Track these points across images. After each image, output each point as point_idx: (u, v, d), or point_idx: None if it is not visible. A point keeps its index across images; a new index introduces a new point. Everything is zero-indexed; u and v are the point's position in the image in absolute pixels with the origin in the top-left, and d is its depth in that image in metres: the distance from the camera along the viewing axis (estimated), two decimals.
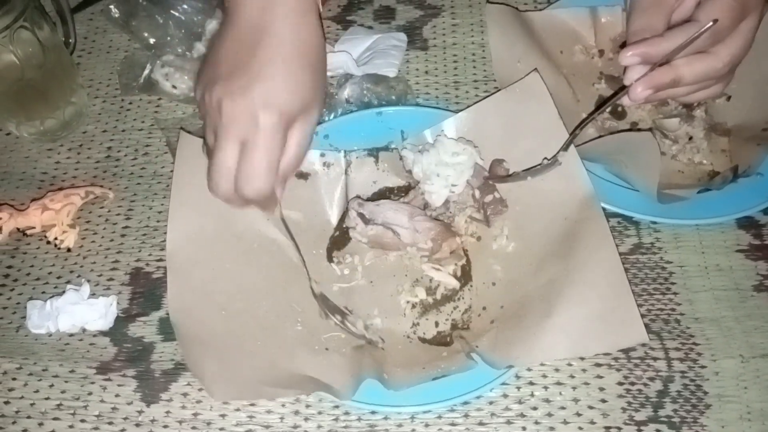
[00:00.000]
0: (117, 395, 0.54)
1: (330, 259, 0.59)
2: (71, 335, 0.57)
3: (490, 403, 0.52)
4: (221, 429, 0.52)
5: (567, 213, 0.56)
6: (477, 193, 0.59)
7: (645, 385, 0.52)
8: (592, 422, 0.50)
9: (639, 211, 0.58)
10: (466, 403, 0.51)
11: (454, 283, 0.57)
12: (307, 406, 0.52)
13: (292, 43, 0.48)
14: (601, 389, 0.52)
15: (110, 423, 0.53)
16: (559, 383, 0.52)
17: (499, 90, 0.62)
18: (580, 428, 0.50)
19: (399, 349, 0.54)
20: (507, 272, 0.56)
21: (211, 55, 0.51)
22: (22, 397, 0.54)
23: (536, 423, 0.51)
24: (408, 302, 0.56)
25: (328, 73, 0.68)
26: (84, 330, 0.57)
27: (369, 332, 0.55)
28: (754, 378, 0.51)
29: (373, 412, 0.51)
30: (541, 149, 0.58)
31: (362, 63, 0.69)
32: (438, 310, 0.56)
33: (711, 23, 0.49)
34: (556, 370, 0.53)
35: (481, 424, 0.51)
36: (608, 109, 0.63)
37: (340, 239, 0.60)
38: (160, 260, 0.60)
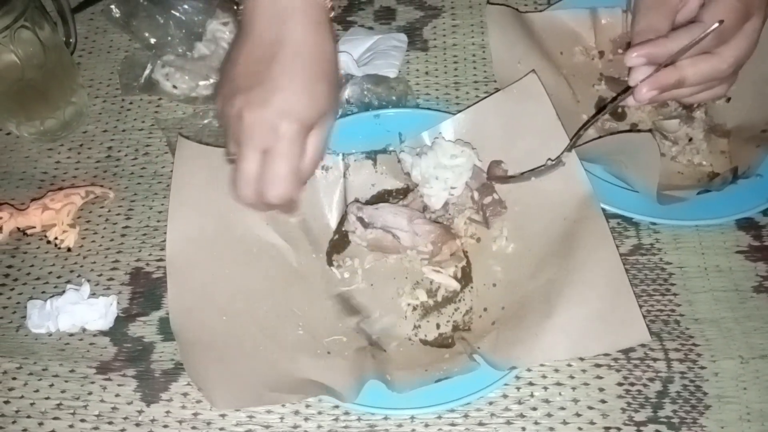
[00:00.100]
0: (117, 395, 0.54)
1: (330, 262, 0.59)
2: (71, 335, 0.57)
3: (490, 403, 0.52)
4: (221, 429, 0.52)
5: (566, 213, 0.56)
6: (476, 195, 0.59)
7: (644, 385, 0.52)
8: (592, 422, 0.51)
9: (639, 212, 0.58)
10: (466, 403, 0.51)
11: (455, 285, 0.57)
12: (307, 406, 0.52)
13: (307, 53, 0.50)
14: (601, 390, 0.52)
15: (110, 423, 0.53)
16: (558, 384, 0.52)
17: (498, 91, 0.62)
18: (580, 429, 0.50)
19: (401, 352, 0.54)
20: (507, 273, 0.56)
21: (229, 69, 0.52)
22: (22, 397, 0.54)
23: (536, 423, 0.51)
24: (409, 304, 0.56)
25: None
26: (84, 330, 0.57)
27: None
28: (753, 379, 0.51)
29: (372, 413, 0.51)
30: (540, 150, 0.58)
31: (363, 63, 0.69)
32: (439, 312, 0.56)
33: (717, 24, 0.49)
34: (556, 370, 0.53)
35: (480, 424, 0.51)
36: (604, 114, 0.64)
37: (339, 242, 0.60)
38: (160, 260, 0.60)
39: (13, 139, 0.69)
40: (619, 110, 0.64)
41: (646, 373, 0.52)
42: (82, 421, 0.53)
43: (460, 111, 0.62)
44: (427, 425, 0.51)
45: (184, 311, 0.54)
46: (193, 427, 0.52)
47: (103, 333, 0.57)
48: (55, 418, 0.53)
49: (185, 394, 0.54)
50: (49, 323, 0.57)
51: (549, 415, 0.51)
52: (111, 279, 0.60)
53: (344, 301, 0.57)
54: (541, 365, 0.53)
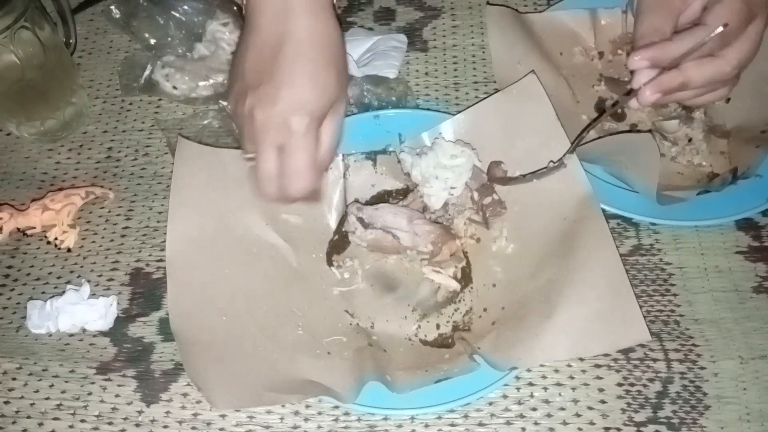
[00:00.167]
0: (117, 395, 0.54)
1: (330, 263, 0.59)
2: (71, 335, 0.57)
3: (490, 403, 0.52)
4: (221, 429, 0.52)
5: (566, 213, 0.56)
6: (475, 195, 0.59)
7: (644, 386, 0.52)
8: (592, 423, 0.51)
9: (638, 213, 0.58)
10: (466, 403, 0.51)
11: (455, 285, 0.57)
12: (307, 407, 0.52)
13: (312, 43, 0.50)
14: (601, 390, 0.52)
15: (110, 423, 0.53)
16: (558, 384, 0.52)
17: (498, 92, 0.62)
18: (580, 429, 0.50)
19: (401, 352, 0.54)
20: (507, 273, 0.56)
21: (237, 67, 0.52)
22: (22, 397, 0.54)
23: (536, 424, 0.51)
24: (408, 305, 0.56)
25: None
26: (84, 330, 0.57)
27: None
28: (753, 379, 0.51)
29: (372, 413, 0.51)
30: (540, 150, 0.58)
31: (362, 64, 0.69)
32: (439, 313, 0.56)
33: (721, 28, 0.49)
34: (556, 371, 0.53)
35: (480, 424, 0.51)
36: (607, 116, 0.64)
37: (339, 243, 0.60)
38: (160, 260, 0.60)
39: (13, 140, 0.69)
40: (619, 111, 0.64)
41: (645, 374, 0.52)
42: (82, 421, 0.53)
43: (459, 111, 0.62)
44: (427, 425, 0.51)
45: (183, 312, 0.54)
46: (193, 428, 0.52)
47: (103, 333, 0.57)
48: (55, 419, 0.53)
49: (185, 395, 0.54)
50: (49, 324, 0.57)
51: (549, 415, 0.51)
52: (111, 279, 0.60)
53: (344, 302, 0.57)
54: (541, 366, 0.53)
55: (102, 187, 0.64)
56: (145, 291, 0.59)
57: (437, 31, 0.74)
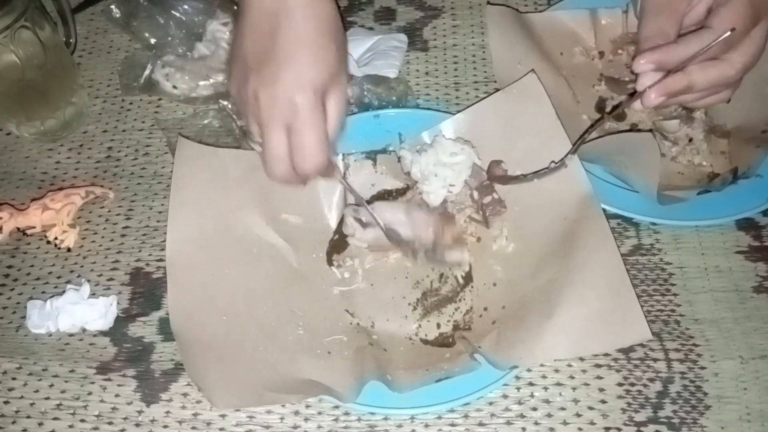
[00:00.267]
0: (117, 395, 0.54)
1: (330, 262, 0.59)
2: (71, 335, 0.57)
3: (490, 403, 0.52)
4: (221, 429, 0.52)
5: (566, 213, 0.56)
6: (475, 195, 0.59)
7: (645, 386, 0.52)
8: (592, 423, 0.50)
9: (639, 213, 0.58)
10: (466, 403, 0.51)
11: (467, 258, 0.57)
12: (307, 407, 0.52)
13: (308, 19, 0.49)
14: (601, 390, 0.52)
15: (110, 423, 0.53)
16: (558, 384, 0.52)
17: (498, 91, 0.62)
18: (580, 429, 0.50)
19: (401, 351, 0.54)
20: (507, 273, 0.56)
21: (236, 50, 0.52)
22: (21, 397, 0.54)
23: (536, 424, 0.51)
24: (409, 304, 0.56)
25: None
26: (84, 330, 0.57)
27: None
28: (753, 379, 0.51)
29: (372, 413, 0.51)
30: (540, 150, 0.58)
31: (363, 64, 0.69)
32: (439, 312, 0.56)
33: (728, 33, 0.49)
34: (556, 370, 0.53)
35: (480, 424, 0.51)
36: (608, 109, 0.64)
37: (339, 243, 0.60)
38: (160, 260, 0.60)
39: (13, 139, 0.69)
40: (619, 110, 0.64)
41: (646, 374, 0.52)
42: (82, 421, 0.53)
43: (460, 111, 0.62)
44: (427, 425, 0.51)
45: (184, 311, 0.54)
46: (193, 428, 0.52)
47: (103, 333, 0.57)
48: (54, 419, 0.53)
49: (185, 395, 0.53)
50: (49, 323, 0.57)
51: (549, 415, 0.51)
52: (111, 279, 0.60)
53: (344, 301, 0.57)
54: (541, 365, 0.53)
55: (102, 186, 0.64)
56: (145, 291, 0.59)
57: (438, 31, 0.74)
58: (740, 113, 0.63)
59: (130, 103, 0.71)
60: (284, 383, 0.51)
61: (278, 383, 0.51)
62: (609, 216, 0.57)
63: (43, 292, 0.59)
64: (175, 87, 0.69)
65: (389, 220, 0.57)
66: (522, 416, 0.51)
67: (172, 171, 0.57)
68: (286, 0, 0.49)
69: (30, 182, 0.66)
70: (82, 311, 0.57)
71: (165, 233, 0.55)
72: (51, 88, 0.65)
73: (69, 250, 0.61)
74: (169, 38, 0.71)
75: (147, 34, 0.72)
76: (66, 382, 0.55)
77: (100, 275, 0.60)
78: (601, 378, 0.52)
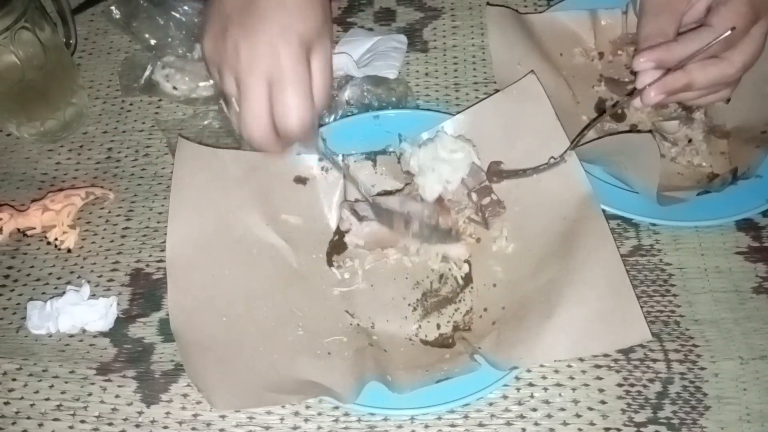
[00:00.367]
0: (117, 396, 0.54)
1: (330, 263, 0.59)
2: (71, 336, 0.57)
3: (490, 404, 0.52)
4: (221, 430, 0.52)
5: (566, 213, 0.56)
6: (474, 196, 0.59)
7: (644, 386, 0.52)
8: (592, 423, 0.51)
9: (638, 213, 0.58)
10: (465, 404, 0.51)
11: (465, 253, 0.57)
12: (307, 407, 0.52)
13: None
14: (601, 390, 0.52)
15: (110, 424, 0.53)
16: (558, 384, 0.52)
17: (497, 92, 0.62)
18: (580, 429, 0.50)
19: (401, 352, 0.54)
20: (507, 273, 0.56)
21: (214, 7, 0.51)
22: (21, 398, 0.54)
23: (536, 424, 0.51)
24: (409, 305, 0.57)
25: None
26: (84, 331, 0.57)
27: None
28: (753, 380, 0.51)
29: (372, 414, 0.51)
30: (540, 150, 0.58)
31: (363, 65, 0.69)
32: (439, 312, 0.56)
33: (728, 32, 0.49)
34: (556, 371, 0.53)
35: (480, 425, 0.51)
36: (609, 115, 0.64)
37: (339, 243, 0.60)
38: (161, 261, 0.60)
39: (14, 140, 0.69)
40: (619, 111, 0.64)
41: (646, 374, 0.52)
42: (82, 422, 0.53)
43: (459, 112, 0.62)
44: (426, 426, 0.51)
45: (184, 312, 0.54)
46: (193, 428, 0.52)
47: (103, 334, 0.57)
48: (54, 420, 0.53)
49: (185, 395, 0.53)
50: (49, 324, 0.57)
51: (549, 416, 0.51)
52: (111, 280, 0.60)
53: (344, 302, 0.57)
54: (541, 366, 0.53)
55: (102, 187, 0.64)
56: (145, 291, 0.59)
57: (437, 32, 0.74)
58: (740, 113, 0.63)
59: (130, 104, 0.71)
60: (284, 384, 0.51)
61: (278, 384, 0.51)
62: (609, 217, 0.57)
63: (43, 293, 0.59)
64: (175, 88, 0.69)
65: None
66: (522, 417, 0.51)
67: (172, 172, 0.57)
68: None
69: (30, 183, 0.66)
70: (82, 312, 0.57)
71: (165, 234, 0.55)
72: (51, 88, 0.65)
73: (69, 251, 0.61)
74: (169, 39, 0.71)
75: (147, 35, 0.72)
76: (66, 383, 0.55)
77: (100, 276, 0.60)
78: (600, 378, 0.52)
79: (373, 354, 0.53)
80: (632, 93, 0.54)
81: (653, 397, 0.51)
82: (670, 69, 0.52)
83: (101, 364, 0.55)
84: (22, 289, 0.60)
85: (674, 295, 0.56)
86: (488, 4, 0.73)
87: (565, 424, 0.51)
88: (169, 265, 0.55)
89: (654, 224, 0.59)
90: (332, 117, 0.65)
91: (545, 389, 0.52)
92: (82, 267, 0.61)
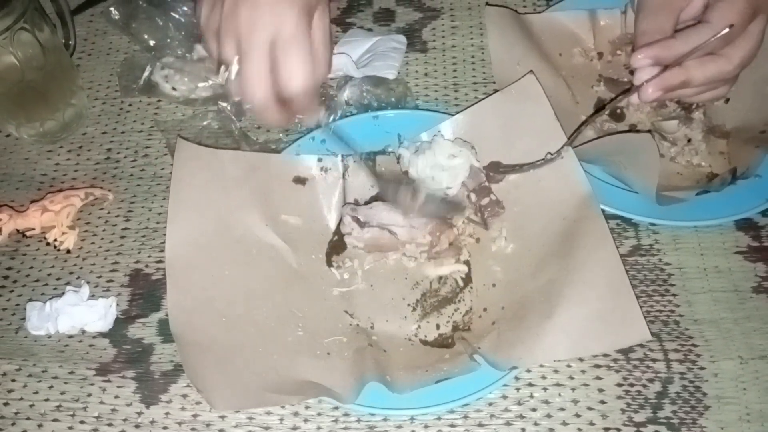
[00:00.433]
0: (116, 397, 0.54)
1: (329, 263, 0.59)
2: (71, 337, 0.57)
3: (490, 404, 0.52)
4: (221, 430, 0.52)
5: (565, 213, 0.56)
6: (473, 197, 0.59)
7: (644, 386, 0.52)
8: (592, 423, 0.50)
9: (638, 213, 0.58)
10: (465, 404, 0.51)
11: (464, 268, 0.57)
12: (307, 408, 0.52)
13: None
14: (601, 390, 0.52)
15: (110, 424, 0.53)
16: (558, 384, 0.52)
17: (497, 92, 0.62)
18: (579, 429, 0.50)
19: (401, 352, 0.54)
20: (507, 273, 0.56)
21: None
22: (21, 399, 0.54)
23: (535, 424, 0.51)
24: (409, 305, 0.56)
25: (329, 75, 0.69)
26: (83, 331, 0.57)
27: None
28: (753, 379, 0.51)
29: (372, 414, 0.51)
30: (539, 150, 0.58)
31: (362, 65, 0.69)
32: (439, 313, 0.56)
33: (727, 29, 0.49)
34: (556, 371, 0.53)
35: (480, 425, 0.51)
36: (607, 111, 0.64)
37: (339, 244, 0.60)
38: (160, 261, 0.60)
39: (13, 141, 0.69)
40: (618, 111, 0.64)
41: (645, 374, 0.52)
42: (82, 422, 0.53)
43: (459, 112, 0.62)
44: (426, 426, 0.51)
45: (183, 313, 0.53)
46: (193, 429, 0.52)
47: (103, 335, 0.57)
48: (54, 420, 0.53)
49: (185, 396, 0.53)
50: (49, 325, 0.56)
51: (548, 416, 0.51)
52: (110, 281, 0.60)
53: (344, 302, 0.57)
54: (541, 366, 0.53)
55: (101, 188, 0.64)
56: (145, 292, 0.59)
57: (436, 32, 0.74)
58: (739, 113, 0.63)
59: (130, 105, 0.71)
60: (284, 384, 0.51)
61: (278, 384, 0.51)
62: (608, 216, 0.57)
63: (43, 294, 0.59)
64: (174, 88, 0.69)
65: (386, 221, 0.57)
66: (521, 417, 0.51)
67: (171, 172, 0.57)
68: None
69: (29, 184, 0.66)
70: (81, 313, 0.57)
71: (164, 234, 0.55)
72: (50, 89, 0.65)
73: (68, 251, 0.61)
74: (169, 40, 0.71)
75: (146, 36, 0.72)
76: (65, 383, 0.55)
77: (100, 277, 0.60)
78: (600, 378, 0.52)
79: (373, 354, 0.53)
80: (630, 90, 0.54)
81: (653, 397, 0.51)
82: (668, 66, 0.52)
83: (100, 365, 0.55)
84: (22, 290, 0.60)
85: (674, 295, 0.56)
86: (487, 4, 0.73)
87: (564, 424, 0.51)
88: (169, 266, 0.55)
89: (653, 224, 0.59)
90: (331, 117, 0.65)
91: (545, 389, 0.52)
92: (81, 268, 0.61)
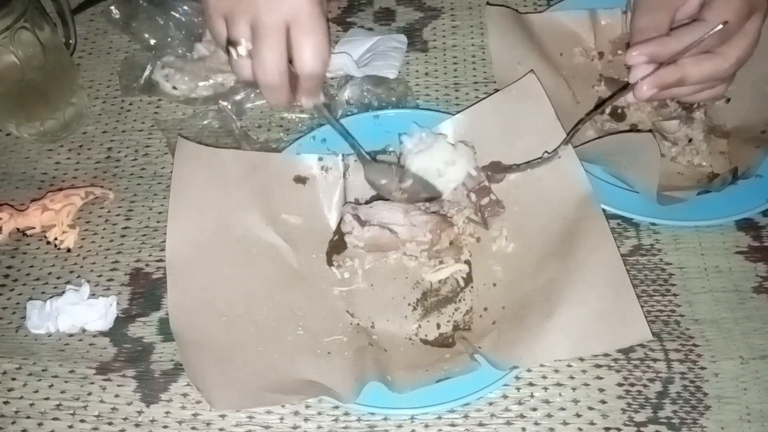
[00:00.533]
0: (117, 395, 0.54)
1: (330, 263, 0.59)
2: (71, 335, 0.57)
3: (490, 403, 0.52)
4: (221, 429, 0.52)
5: (566, 212, 0.56)
6: (473, 197, 0.59)
7: (645, 386, 0.52)
8: (592, 423, 0.50)
9: (638, 213, 0.58)
10: (466, 404, 0.51)
11: (464, 267, 0.57)
12: (307, 407, 0.52)
13: None
14: (601, 390, 0.52)
15: (110, 423, 0.53)
16: (558, 384, 0.52)
17: (497, 92, 0.62)
18: (580, 429, 0.50)
19: (401, 352, 0.54)
20: (507, 273, 0.56)
21: None
22: (21, 398, 0.54)
23: (536, 424, 0.51)
24: (409, 304, 0.56)
25: (329, 74, 0.69)
26: (84, 330, 0.57)
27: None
28: (753, 379, 0.51)
29: (372, 413, 0.51)
30: (539, 150, 0.58)
31: (362, 64, 0.69)
32: (439, 312, 0.56)
33: (721, 26, 0.49)
34: (556, 371, 0.53)
35: (480, 424, 0.51)
36: (608, 110, 0.64)
37: (339, 243, 0.60)
38: (160, 260, 0.60)
39: (13, 140, 0.69)
40: (619, 111, 0.64)
41: (646, 374, 0.52)
42: (82, 421, 0.53)
43: (459, 112, 0.62)
44: (426, 426, 0.51)
45: (183, 312, 0.53)
46: (193, 428, 0.52)
47: (103, 333, 0.57)
48: (54, 419, 0.53)
49: (185, 395, 0.53)
50: (49, 324, 0.56)
51: (549, 415, 0.51)
52: (111, 279, 0.60)
53: (344, 302, 0.57)
54: (541, 366, 0.53)
55: (102, 187, 0.64)
56: (145, 291, 0.59)
57: (437, 32, 0.74)
58: (740, 113, 0.63)
59: (130, 104, 0.71)
60: (284, 384, 0.51)
61: (278, 384, 0.51)
62: (609, 216, 0.57)
63: (43, 293, 0.59)
64: (174, 88, 0.69)
65: (387, 220, 0.57)
66: (522, 416, 0.51)
67: (171, 171, 0.57)
68: None
69: (30, 183, 0.66)
70: (81, 312, 0.57)
71: (165, 234, 0.55)
72: (51, 89, 0.65)
73: (69, 250, 0.61)
74: (169, 39, 0.71)
75: (147, 35, 0.72)
76: (66, 382, 0.55)
77: (100, 276, 0.60)
78: (601, 378, 0.52)
79: (373, 354, 0.53)
80: (626, 87, 0.54)
81: (653, 397, 0.51)
82: (663, 64, 0.52)
83: (101, 364, 0.55)
84: (22, 289, 0.60)
85: (674, 295, 0.56)
86: (488, 3, 0.73)
87: (565, 423, 0.51)
88: (169, 265, 0.55)
89: (654, 224, 0.59)
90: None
91: (545, 389, 0.52)
92: (81, 266, 0.61)
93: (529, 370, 0.53)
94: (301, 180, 0.60)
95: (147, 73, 0.70)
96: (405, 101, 0.67)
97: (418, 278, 0.58)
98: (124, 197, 0.64)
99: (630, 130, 0.64)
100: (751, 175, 0.58)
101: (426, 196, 0.58)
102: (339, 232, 0.60)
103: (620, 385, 0.52)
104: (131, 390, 0.54)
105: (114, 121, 0.70)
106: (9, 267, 0.61)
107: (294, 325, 0.55)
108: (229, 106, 0.66)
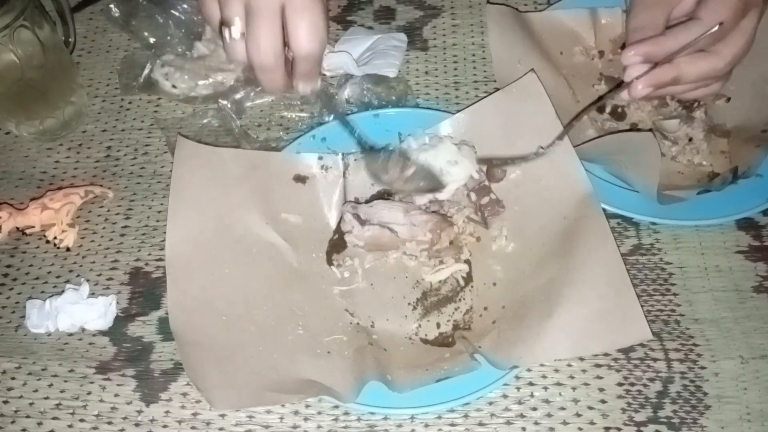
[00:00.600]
0: (116, 395, 0.54)
1: (330, 262, 0.59)
2: (70, 335, 0.57)
3: (490, 403, 0.52)
4: (221, 429, 0.52)
5: (566, 212, 0.56)
6: (473, 196, 0.59)
7: (645, 385, 0.52)
8: (592, 423, 0.50)
9: (638, 212, 0.58)
10: (466, 403, 0.51)
11: (464, 267, 0.57)
12: (307, 406, 0.52)
13: None
14: (601, 390, 0.52)
15: (109, 423, 0.53)
16: (558, 384, 0.52)
17: (497, 91, 0.62)
18: (580, 429, 0.50)
19: (401, 351, 0.54)
20: (507, 272, 0.56)
21: None
22: (21, 397, 0.54)
23: (536, 423, 0.51)
24: (409, 304, 0.56)
25: (329, 74, 0.69)
26: (83, 329, 0.57)
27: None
28: (753, 379, 0.51)
29: (372, 413, 0.51)
30: None
31: (362, 63, 0.69)
32: (439, 311, 0.56)
33: (717, 27, 0.49)
34: (556, 370, 0.53)
35: (480, 424, 0.51)
36: (608, 110, 0.64)
37: (339, 242, 0.60)
38: (160, 260, 0.60)
39: (13, 139, 0.69)
40: (619, 110, 0.64)
41: (646, 374, 0.52)
42: (81, 421, 0.53)
43: (459, 111, 0.62)
44: (426, 425, 0.51)
45: (183, 312, 0.53)
46: (193, 427, 0.52)
47: (103, 333, 0.57)
48: (54, 418, 0.53)
49: (185, 394, 0.53)
50: (48, 323, 0.56)
51: (549, 415, 0.51)
52: (110, 279, 0.60)
53: (344, 301, 0.57)
54: (541, 365, 0.53)
55: (101, 186, 0.64)
56: (145, 290, 0.59)
57: (437, 30, 0.74)
58: (740, 113, 0.63)
59: (130, 103, 0.71)
60: (284, 383, 0.51)
61: (278, 383, 0.51)
62: (609, 215, 0.57)
63: (43, 292, 0.59)
64: (174, 86, 0.69)
65: (387, 219, 0.57)
66: (522, 416, 0.51)
67: (171, 170, 0.57)
68: None
69: (29, 182, 0.66)
70: (81, 311, 0.57)
71: (164, 233, 0.55)
72: (50, 87, 0.65)
73: (68, 249, 0.61)
74: (169, 37, 0.71)
75: (146, 34, 0.72)
76: (65, 381, 0.55)
77: (100, 275, 0.60)
78: (601, 378, 0.52)
79: (373, 353, 0.53)
80: (620, 85, 0.54)
81: (653, 397, 0.51)
82: (659, 62, 0.52)
83: (100, 363, 0.55)
84: (21, 288, 0.60)
85: (674, 294, 0.56)
86: (488, 2, 0.73)
87: (565, 423, 0.51)
88: (169, 265, 0.55)
89: (654, 223, 0.59)
90: (331, 116, 0.65)
91: (545, 388, 0.52)
92: (81, 266, 0.60)
93: (529, 370, 0.53)
94: (300, 179, 0.60)
95: (146, 71, 0.70)
96: (405, 100, 0.67)
97: (418, 277, 0.58)
98: (123, 196, 0.64)
99: (630, 130, 0.64)
100: (751, 174, 0.58)
101: (427, 186, 0.58)
102: (339, 232, 0.60)
103: (620, 384, 0.52)
104: (131, 389, 0.54)
105: (113, 119, 0.70)
106: (8, 266, 0.61)
107: (294, 325, 0.55)
108: (229, 105, 0.66)
